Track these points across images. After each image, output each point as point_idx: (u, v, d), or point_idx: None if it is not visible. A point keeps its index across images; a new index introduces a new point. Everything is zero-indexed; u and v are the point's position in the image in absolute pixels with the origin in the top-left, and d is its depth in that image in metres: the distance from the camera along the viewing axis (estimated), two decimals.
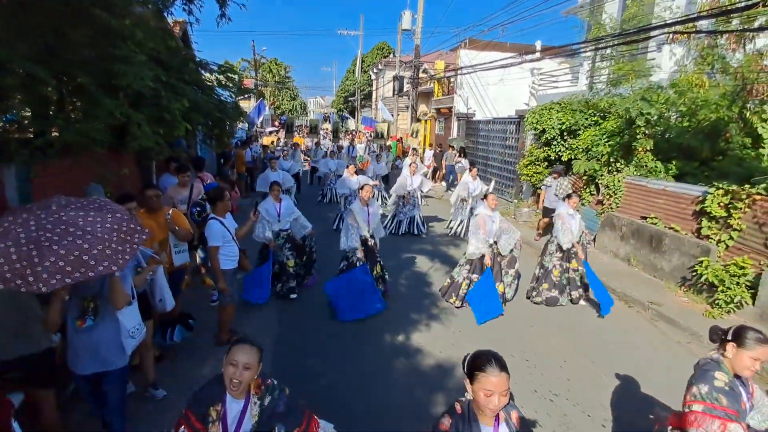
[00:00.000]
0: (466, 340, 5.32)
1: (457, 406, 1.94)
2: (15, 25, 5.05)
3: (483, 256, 6.03)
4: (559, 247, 6.38)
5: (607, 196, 9.18)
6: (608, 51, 12.36)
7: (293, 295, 6.25)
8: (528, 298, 6.61)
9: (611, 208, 9.10)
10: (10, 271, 2.23)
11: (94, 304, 2.91)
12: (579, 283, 6.47)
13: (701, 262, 6.48)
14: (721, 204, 6.64)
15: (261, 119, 21.97)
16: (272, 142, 24.36)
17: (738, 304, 5.99)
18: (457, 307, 6.18)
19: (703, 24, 9.66)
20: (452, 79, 21.77)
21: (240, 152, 13.72)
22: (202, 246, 5.66)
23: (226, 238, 4.80)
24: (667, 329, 5.90)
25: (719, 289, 6.14)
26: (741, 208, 6.40)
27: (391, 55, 38.87)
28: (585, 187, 9.91)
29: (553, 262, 6.43)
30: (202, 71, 9.34)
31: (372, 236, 6.17)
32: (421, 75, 23.78)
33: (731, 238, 6.52)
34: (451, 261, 8.22)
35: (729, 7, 7.39)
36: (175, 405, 3.78)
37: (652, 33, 9.10)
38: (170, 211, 4.76)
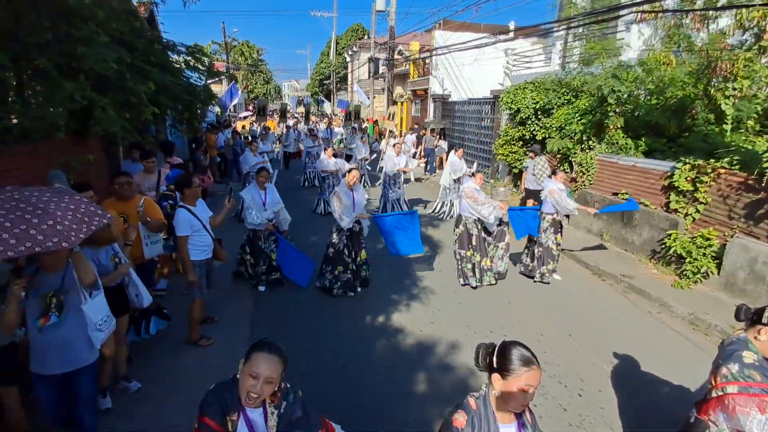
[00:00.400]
0: (444, 318, 5.39)
1: (471, 401, 1.75)
2: None
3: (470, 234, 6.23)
4: (553, 223, 6.47)
5: (580, 174, 9.34)
6: (580, 30, 12.46)
7: (262, 288, 6.11)
8: (530, 277, 6.68)
9: (584, 185, 9.26)
10: (11, 236, 2.12)
11: (56, 299, 2.74)
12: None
13: (670, 235, 6.68)
14: (688, 178, 6.82)
15: (234, 103, 21.47)
16: (243, 127, 23.91)
17: (704, 274, 6.22)
18: (473, 288, 6.26)
19: (669, 4, 9.81)
20: (427, 61, 21.65)
21: (210, 136, 13.37)
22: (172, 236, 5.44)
23: (195, 227, 4.50)
24: (638, 300, 6.09)
25: (687, 260, 6.35)
26: (707, 182, 6.60)
27: (366, 37, 38.39)
28: (559, 165, 10.04)
29: (549, 239, 6.49)
30: (170, 53, 9.05)
31: (358, 222, 5.94)
32: (396, 57, 23.57)
33: (698, 211, 6.73)
34: (434, 241, 8.31)
35: None
36: (163, 400, 3.74)
37: (621, 12, 9.15)
38: (142, 200, 4.48)
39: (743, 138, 7.16)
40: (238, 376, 1.83)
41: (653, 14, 9.78)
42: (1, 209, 2.18)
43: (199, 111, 9.36)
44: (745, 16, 7.75)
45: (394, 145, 10.38)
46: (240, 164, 10.91)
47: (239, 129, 22.56)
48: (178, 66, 8.93)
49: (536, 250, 6.61)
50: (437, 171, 15.59)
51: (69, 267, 2.77)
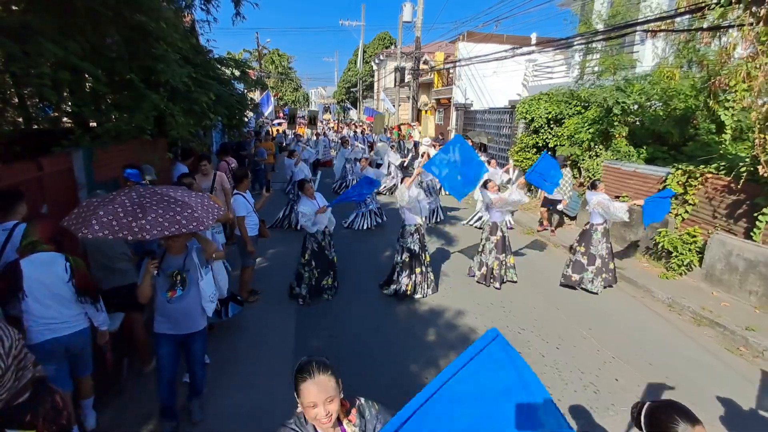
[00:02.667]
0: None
1: None
2: (63, 26, 5.98)
3: (497, 231, 6.74)
4: (604, 233, 6.68)
5: (587, 179, 10.14)
6: (595, 45, 13.24)
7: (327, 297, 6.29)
8: (584, 289, 6.71)
9: (579, 192, 10.06)
10: (118, 225, 2.83)
11: (180, 276, 3.37)
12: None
13: (660, 232, 7.47)
14: (680, 182, 7.61)
15: (268, 111, 22.88)
16: (277, 132, 25.34)
17: (688, 266, 7.01)
18: (497, 288, 6.67)
19: (682, 20, 10.53)
20: (451, 71, 22.60)
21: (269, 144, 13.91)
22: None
23: (248, 210, 5.82)
24: (626, 287, 6.94)
25: (673, 254, 7.14)
26: (695, 186, 7.38)
27: (393, 46, 39.61)
28: (569, 171, 10.87)
29: (599, 249, 6.62)
30: (220, 66, 10.33)
31: (421, 225, 6.37)
32: (422, 66, 24.61)
33: (687, 211, 7.50)
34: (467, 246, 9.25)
35: (692, 7, 8.28)
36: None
37: (630, 29, 9.95)
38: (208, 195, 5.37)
39: (744, 147, 7.83)
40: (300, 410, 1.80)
41: (664, 31, 10.55)
42: (153, 201, 3.02)
43: (244, 117, 10.59)
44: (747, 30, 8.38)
45: (422, 155, 10.73)
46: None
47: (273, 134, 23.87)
48: (228, 78, 10.16)
49: (584, 260, 6.67)
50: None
51: (188, 251, 3.43)
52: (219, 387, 4.18)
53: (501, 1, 29.99)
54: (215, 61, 9.79)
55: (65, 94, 6.13)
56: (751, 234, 6.32)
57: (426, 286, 6.38)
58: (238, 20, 10.54)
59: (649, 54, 12.02)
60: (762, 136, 5.84)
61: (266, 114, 21.12)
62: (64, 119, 7.16)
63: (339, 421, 1.81)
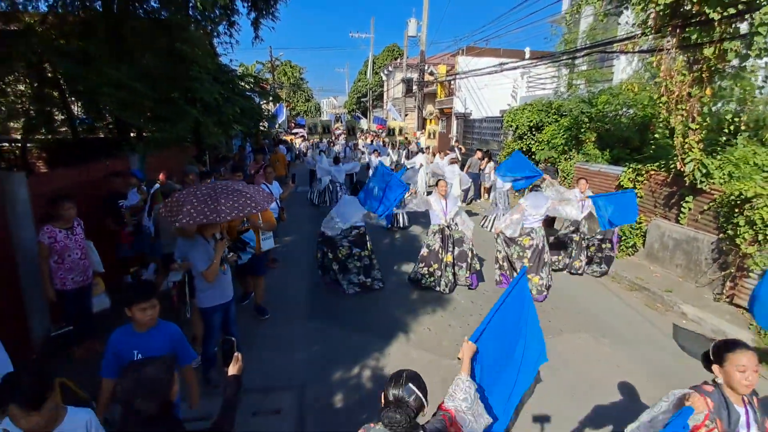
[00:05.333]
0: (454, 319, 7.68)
1: (708, 388, 2.15)
2: (117, 53, 7.59)
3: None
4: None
5: (563, 178, 11.53)
6: (580, 59, 14.64)
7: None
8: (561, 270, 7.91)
9: (566, 187, 11.42)
10: (195, 212, 3.60)
11: (225, 255, 4.21)
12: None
13: None
14: (630, 179, 8.96)
15: (281, 121, 24.61)
16: (290, 140, 27.02)
17: (633, 247, 8.36)
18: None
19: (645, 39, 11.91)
20: (452, 82, 24.11)
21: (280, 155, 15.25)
22: None
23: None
24: None
25: (622, 238, 8.49)
26: (642, 181, 8.73)
27: (400, 58, 41.32)
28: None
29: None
30: (241, 82, 11.95)
31: (448, 226, 6.75)
32: (427, 77, 26.15)
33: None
34: None
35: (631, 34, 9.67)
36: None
37: (597, 48, 11.36)
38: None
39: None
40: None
41: (631, 50, 11.94)
42: (223, 191, 4.00)
43: (263, 127, 12.19)
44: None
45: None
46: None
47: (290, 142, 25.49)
48: (249, 94, 11.78)
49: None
50: (484, 197, 14.12)
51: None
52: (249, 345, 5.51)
53: (498, 18, 31.48)
54: (237, 78, 11.42)
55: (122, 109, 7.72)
56: (679, 219, 7.66)
57: (444, 284, 6.74)
58: (257, 42, 12.22)
59: (620, 68, 13.40)
60: (680, 139, 7.21)
61: (278, 123, 22.77)
62: (110, 128, 8.79)
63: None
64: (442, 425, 1.99)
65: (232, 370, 2.34)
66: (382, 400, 1.93)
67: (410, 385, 1.88)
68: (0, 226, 4.17)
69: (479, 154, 13.77)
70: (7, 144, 8.19)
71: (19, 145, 7.95)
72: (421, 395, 1.89)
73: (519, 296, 2.90)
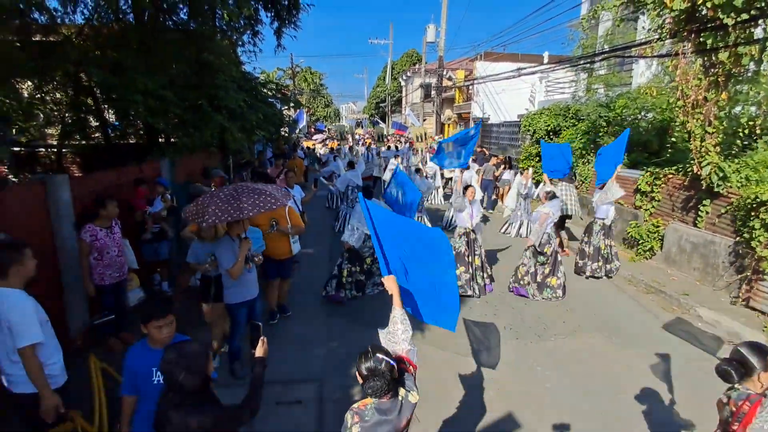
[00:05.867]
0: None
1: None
2: (148, 63, 7.92)
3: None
4: (603, 227, 7.83)
5: (581, 182, 11.55)
6: (598, 64, 14.63)
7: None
8: (579, 273, 7.95)
9: (585, 191, 11.45)
10: (220, 211, 3.85)
11: (250, 254, 4.43)
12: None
13: (631, 224, 8.85)
14: (648, 182, 8.97)
15: (301, 126, 25.06)
16: (308, 147, 27.46)
17: (651, 251, 8.36)
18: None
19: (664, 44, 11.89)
20: (470, 87, 24.22)
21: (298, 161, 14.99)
22: None
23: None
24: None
25: (640, 242, 8.51)
26: (659, 185, 8.74)
27: (419, 64, 41.58)
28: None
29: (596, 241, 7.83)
30: (263, 89, 12.31)
31: (473, 230, 6.96)
32: (445, 82, 26.32)
33: (653, 206, 8.85)
34: None
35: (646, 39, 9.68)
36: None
37: (613, 53, 11.39)
38: (287, 207, 5.51)
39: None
40: None
41: (650, 54, 11.92)
42: (245, 191, 4.25)
43: (283, 133, 12.52)
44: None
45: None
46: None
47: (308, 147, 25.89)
48: (272, 101, 12.14)
49: (587, 248, 7.89)
50: (501, 203, 13.22)
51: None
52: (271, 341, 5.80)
53: (516, 23, 31.54)
54: (260, 85, 11.77)
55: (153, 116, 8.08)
56: (696, 222, 7.66)
57: (469, 287, 6.84)
58: (280, 50, 12.58)
59: (639, 72, 13.36)
60: (697, 143, 7.23)
61: (298, 128, 23.19)
62: (140, 133, 9.18)
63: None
64: (409, 376, 2.28)
65: (259, 352, 2.56)
66: (359, 378, 2.15)
67: (377, 354, 2.12)
68: (44, 225, 4.47)
69: (494, 160, 13.81)
70: (43, 149, 8.67)
71: (55, 150, 8.40)
72: (388, 359, 2.12)
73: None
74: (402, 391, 2.18)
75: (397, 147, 21.48)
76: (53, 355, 2.82)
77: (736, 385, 2.27)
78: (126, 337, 5.03)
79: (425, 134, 25.28)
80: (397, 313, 2.45)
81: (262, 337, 2.63)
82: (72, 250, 4.69)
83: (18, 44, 5.84)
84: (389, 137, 30.64)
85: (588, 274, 7.86)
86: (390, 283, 2.53)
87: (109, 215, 4.73)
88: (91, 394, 3.29)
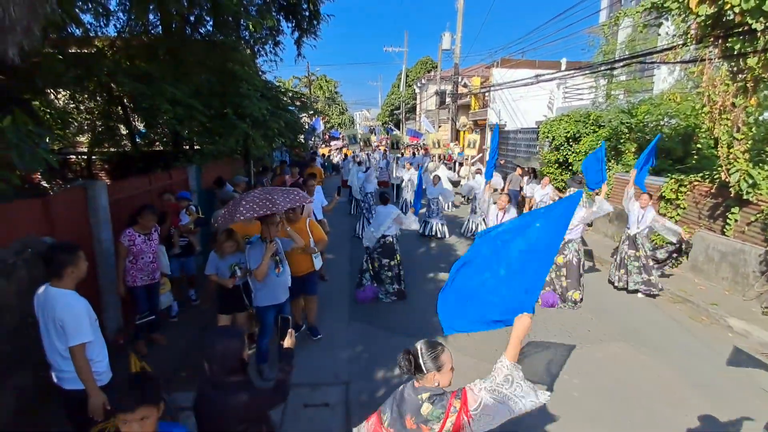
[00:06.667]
0: None
1: None
2: (175, 73, 8.11)
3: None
4: (627, 237, 7.55)
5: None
6: (618, 70, 14.52)
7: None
8: (611, 283, 7.74)
9: (606, 198, 11.32)
10: (257, 206, 4.15)
11: (279, 258, 4.55)
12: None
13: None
14: (673, 190, 8.85)
15: (318, 133, 25.28)
16: (323, 154, 27.68)
17: (677, 260, 8.23)
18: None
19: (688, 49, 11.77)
20: (486, 94, 24.20)
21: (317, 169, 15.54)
22: None
23: (316, 207, 7.51)
24: None
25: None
26: (685, 192, 8.62)
27: (434, 70, 41.70)
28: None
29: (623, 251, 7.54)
30: (284, 97, 12.48)
31: None
32: (460, 89, 26.36)
33: (678, 213, 8.73)
34: None
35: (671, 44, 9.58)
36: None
37: (635, 59, 11.30)
38: (308, 221, 5.45)
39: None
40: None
41: (673, 60, 11.82)
42: (275, 191, 4.51)
43: (303, 140, 12.66)
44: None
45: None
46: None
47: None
48: (293, 109, 12.29)
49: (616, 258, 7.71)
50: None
51: (278, 240, 4.57)
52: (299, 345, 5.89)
53: (533, 30, 31.49)
54: (281, 93, 11.93)
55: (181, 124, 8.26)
56: (725, 230, 7.53)
57: None
58: (300, 59, 12.75)
59: (661, 78, 13.23)
60: (725, 150, 7.13)
61: (314, 135, 23.41)
62: (165, 141, 9.38)
63: None
64: (442, 394, 2.04)
65: (287, 343, 2.71)
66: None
67: (418, 346, 2.11)
68: (84, 230, 4.62)
69: (520, 170, 13.64)
70: (74, 156, 8.96)
71: (85, 157, 8.65)
72: (419, 359, 2.05)
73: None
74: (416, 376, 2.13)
75: (414, 154, 21.50)
76: (100, 353, 2.94)
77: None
78: (157, 339, 5.15)
79: (439, 142, 25.37)
80: (506, 364, 2.12)
81: (290, 329, 2.75)
82: (109, 253, 4.82)
83: (60, 56, 6.08)
84: (407, 146, 30.53)
85: (615, 283, 7.61)
86: (519, 327, 2.19)
87: (144, 225, 4.80)
88: None
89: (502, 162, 17.55)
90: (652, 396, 4.56)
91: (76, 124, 7.75)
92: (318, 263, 5.49)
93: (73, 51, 7.01)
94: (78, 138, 8.76)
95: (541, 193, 10.94)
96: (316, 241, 5.33)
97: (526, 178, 13.45)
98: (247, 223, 5.11)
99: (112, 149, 8.75)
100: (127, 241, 4.67)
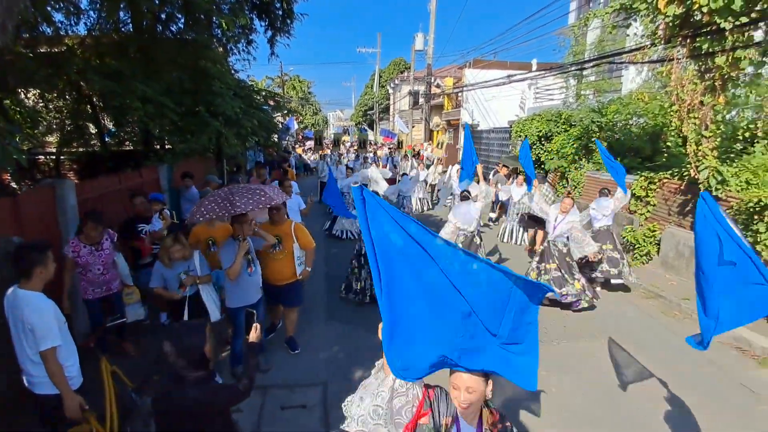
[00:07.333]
0: None
1: None
2: (147, 71, 7.86)
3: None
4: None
5: (573, 187, 11.65)
6: (586, 70, 14.84)
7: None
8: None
9: (576, 196, 11.55)
10: (218, 207, 4.09)
11: (252, 258, 4.41)
12: None
13: (626, 228, 8.93)
14: (643, 187, 9.07)
15: (291, 133, 24.97)
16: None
17: (648, 256, 8.43)
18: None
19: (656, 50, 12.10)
20: (459, 95, 24.41)
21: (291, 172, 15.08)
22: None
23: (293, 209, 7.35)
24: None
25: (636, 247, 8.58)
26: (654, 189, 8.84)
27: (407, 71, 41.86)
28: (559, 181, 12.39)
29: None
30: (257, 96, 12.25)
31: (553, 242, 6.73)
32: (433, 89, 26.49)
33: (648, 210, 8.95)
34: None
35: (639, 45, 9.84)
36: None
37: (604, 59, 11.56)
38: (293, 224, 5.08)
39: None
40: None
41: (641, 60, 12.13)
42: (239, 191, 4.38)
43: (278, 140, 12.46)
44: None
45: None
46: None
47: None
48: (266, 108, 12.09)
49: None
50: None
51: (250, 239, 4.42)
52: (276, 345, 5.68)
53: (505, 32, 32.00)
54: (254, 92, 11.71)
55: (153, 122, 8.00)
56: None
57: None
58: (273, 58, 12.54)
59: (629, 78, 13.57)
60: (694, 147, 7.33)
61: (287, 136, 23.12)
62: (134, 140, 9.08)
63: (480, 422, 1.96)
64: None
65: (252, 337, 2.71)
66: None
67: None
68: (52, 230, 4.44)
69: (505, 170, 12.76)
70: (42, 157, 8.64)
71: (53, 157, 8.32)
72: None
73: None
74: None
75: (390, 153, 21.51)
76: (70, 357, 2.86)
77: None
78: (126, 347, 4.91)
79: (402, 143, 25.50)
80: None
81: (255, 324, 2.74)
82: None
83: (30, 55, 5.87)
84: (375, 145, 30.47)
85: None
86: None
87: (88, 236, 4.36)
88: (102, 396, 3.26)
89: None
90: (633, 391, 4.62)
91: (45, 123, 7.46)
92: (299, 270, 5.03)
93: (43, 50, 6.78)
94: (47, 138, 8.44)
95: (518, 192, 10.96)
96: (302, 247, 5.01)
97: (510, 179, 12.46)
98: (210, 225, 4.92)
99: (81, 149, 8.43)
100: (71, 252, 4.28)
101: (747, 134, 7.51)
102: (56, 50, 6.86)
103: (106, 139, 8.41)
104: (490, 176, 13.15)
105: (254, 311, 2.90)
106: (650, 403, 4.42)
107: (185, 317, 4.30)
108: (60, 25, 6.83)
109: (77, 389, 2.84)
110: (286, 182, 7.21)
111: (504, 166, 13.15)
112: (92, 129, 8.25)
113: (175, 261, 4.28)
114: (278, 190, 4.84)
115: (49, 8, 6.17)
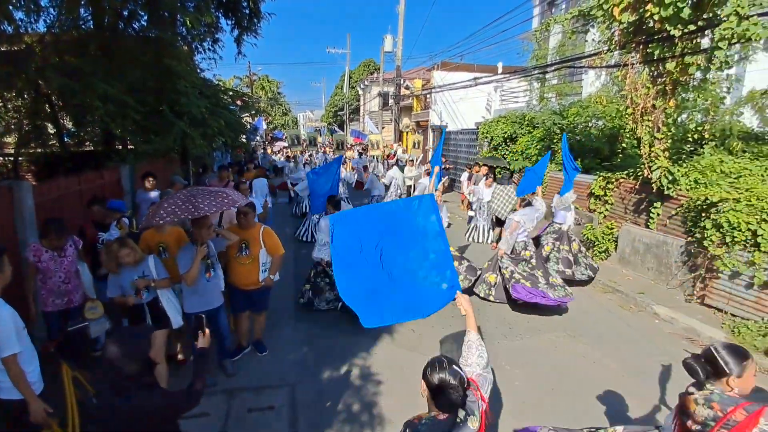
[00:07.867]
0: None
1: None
2: (108, 69, 7.70)
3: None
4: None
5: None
6: (550, 74, 15.29)
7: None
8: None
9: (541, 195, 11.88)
10: (179, 210, 3.88)
11: (211, 261, 4.31)
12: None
13: (586, 226, 9.28)
14: (601, 187, 9.45)
15: (260, 134, 24.71)
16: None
17: (606, 252, 8.79)
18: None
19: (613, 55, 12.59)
20: (428, 96, 24.69)
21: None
22: None
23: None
24: None
25: (596, 244, 8.93)
26: (612, 189, 9.22)
27: (377, 72, 42.01)
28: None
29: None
30: (224, 96, 12.11)
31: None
32: (402, 91, 26.71)
33: (606, 209, 9.32)
34: None
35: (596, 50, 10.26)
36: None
37: (565, 64, 11.97)
38: (262, 229, 4.96)
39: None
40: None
41: (599, 64, 12.60)
42: (201, 193, 4.26)
43: (244, 139, 12.35)
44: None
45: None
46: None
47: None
48: (234, 107, 11.96)
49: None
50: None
51: (210, 242, 4.33)
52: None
53: (471, 35, 32.52)
54: (221, 92, 11.57)
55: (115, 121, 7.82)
56: (648, 224, 8.13)
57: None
58: (240, 57, 12.42)
59: (589, 82, 14.08)
60: (647, 149, 7.70)
61: (257, 136, 22.87)
62: (95, 140, 8.84)
63: None
64: (473, 399, 2.03)
65: (201, 343, 2.63)
66: (424, 389, 2.00)
67: (453, 366, 1.97)
68: (10, 232, 4.29)
69: (485, 169, 12.05)
70: (0, 158, 8.32)
71: (11, 158, 8.02)
72: (462, 373, 1.97)
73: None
74: (461, 413, 1.94)
75: (360, 155, 21.60)
76: (31, 362, 2.80)
77: (708, 386, 2.21)
78: (88, 353, 4.78)
79: (378, 143, 25.72)
80: (473, 338, 2.36)
81: (205, 330, 2.67)
82: None
83: None
84: (351, 146, 30.54)
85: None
86: (464, 303, 2.52)
87: (51, 241, 4.14)
88: (63, 401, 3.22)
89: (448, 167, 17.42)
90: (592, 383, 4.80)
91: (3, 123, 7.15)
92: (263, 276, 4.91)
93: (3, 48, 6.53)
94: (5, 138, 8.10)
95: (488, 192, 11.15)
96: (269, 252, 4.91)
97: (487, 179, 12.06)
98: (160, 231, 4.60)
99: (39, 150, 8.14)
100: (32, 257, 4.06)
101: (696, 136, 7.93)
102: (15, 48, 6.63)
103: (66, 140, 8.14)
104: (464, 177, 13.12)
105: (203, 316, 2.77)
106: (607, 393, 4.63)
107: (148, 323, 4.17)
108: (20, 23, 6.57)
109: (39, 394, 2.80)
110: (242, 185, 7.02)
111: (484, 165, 12.57)
112: (51, 129, 7.97)
113: (127, 266, 4.02)
114: (239, 193, 4.74)
115: (10, 7, 5.92)
